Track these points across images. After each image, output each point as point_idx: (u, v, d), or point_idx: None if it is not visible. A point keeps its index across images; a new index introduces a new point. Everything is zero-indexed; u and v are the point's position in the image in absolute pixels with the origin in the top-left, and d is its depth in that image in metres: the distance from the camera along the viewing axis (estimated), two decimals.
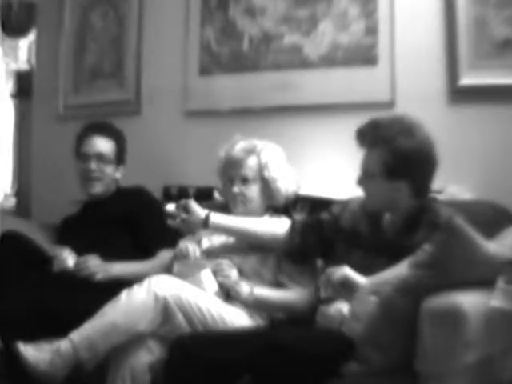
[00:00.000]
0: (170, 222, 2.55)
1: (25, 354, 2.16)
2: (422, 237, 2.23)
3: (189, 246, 2.51)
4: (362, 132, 2.29)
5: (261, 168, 2.65)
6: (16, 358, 2.16)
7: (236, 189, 2.63)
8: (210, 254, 2.56)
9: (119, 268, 2.69)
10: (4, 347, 2.21)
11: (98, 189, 2.91)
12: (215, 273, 2.44)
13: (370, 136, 2.28)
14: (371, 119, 2.30)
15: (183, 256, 2.49)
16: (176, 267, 2.47)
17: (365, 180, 2.32)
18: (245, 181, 2.63)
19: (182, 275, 2.40)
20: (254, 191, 2.64)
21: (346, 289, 2.22)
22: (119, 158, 2.96)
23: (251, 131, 2.80)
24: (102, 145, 2.92)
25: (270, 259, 2.53)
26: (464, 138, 2.80)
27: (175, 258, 2.53)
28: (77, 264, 2.66)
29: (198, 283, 2.39)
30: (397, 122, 2.28)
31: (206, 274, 2.41)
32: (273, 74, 3.17)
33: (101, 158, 2.90)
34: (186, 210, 2.53)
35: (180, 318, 2.26)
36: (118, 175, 2.97)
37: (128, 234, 2.81)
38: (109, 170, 2.92)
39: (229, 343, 2.15)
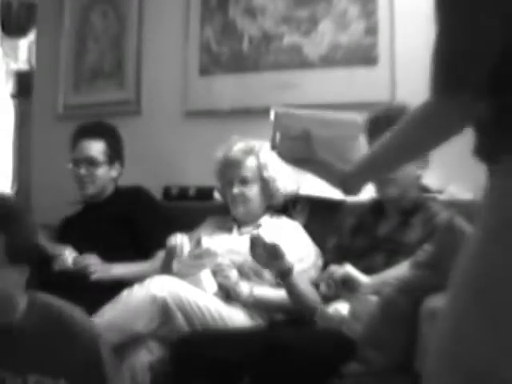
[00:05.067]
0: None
1: None
2: (418, 236, 2.25)
3: (178, 240, 2.48)
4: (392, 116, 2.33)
5: (260, 168, 2.65)
6: None
7: (236, 190, 2.63)
8: (211, 253, 2.56)
9: (119, 269, 2.69)
10: None
11: (91, 191, 2.91)
12: (215, 273, 2.44)
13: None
14: (381, 109, 2.35)
15: (174, 252, 2.47)
16: (175, 267, 2.46)
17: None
18: (244, 181, 2.63)
19: (181, 275, 2.40)
20: (253, 191, 2.64)
21: (348, 287, 2.22)
22: (112, 157, 2.94)
23: (251, 131, 2.80)
24: (91, 147, 2.91)
25: None
26: (464, 138, 2.80)
27: (167, 254, 2.51)
28: (75, 262, 2.66)
29: (198, 283, 2.38)
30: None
31: (206, 274, 2.41)
32: (273, 74, 3.17)
33: (91, 161, 2.90)
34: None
35: (179, 318, 2.26)
36: (113, 174, 2.96)
37: (127, 234, 2.81)
38: (100, 171, 2.91)
39: (229, 343, 2.15)
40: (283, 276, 2.35)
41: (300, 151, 1.49)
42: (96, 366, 1.85)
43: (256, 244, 2.34)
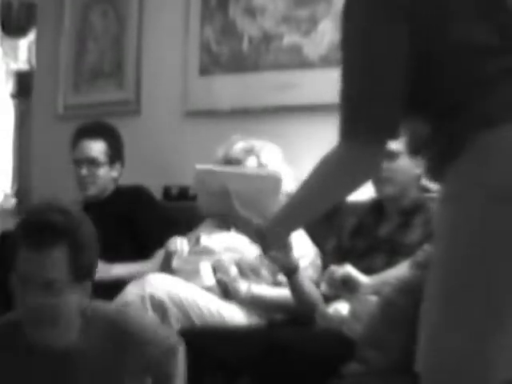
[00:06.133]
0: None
1: None
2: (418, 237, 2.25)
3: (177, 242, 2.49)
4: None
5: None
6: None
7: None
8: (209, 251, 2.56)
9: (119, 269, 2.69)
10: None
11: (92, 191, 2.91)
12: (215, 269, 2.45)
13: None
14: None
15: (172, 257, 2.48)
16: (175, 263, 2.47)
17: (389, 161, 2.31)
18: None
19: (180, 270, 2.41)
20: None
21: (348, 287, 2.22)
22: (113, 157, 2.94)
23: (251, 131, 2.80)
24: (92, 148, 2.90)
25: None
26: None
27: (165, 255, 2.52)
28: None
29: (196, 274, 2.39)
30: None
31: (205, 266, 2.42)
32: (273, 74, 3.17)
33: (92, 162, 2.90)
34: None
35: (176, 317, 2.26)
36: (114, 174, 2.96)
37: (127, 234, 2.81)
38: (102, 172, 2.91)
39: (229, 343, 2.15)
40: (289, 272, 2.32)
41: (219, 206, 1.51)
42: (168, 378, 1.72)
43: None
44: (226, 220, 1.56)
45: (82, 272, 1.59)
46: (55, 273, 1.55)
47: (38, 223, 1.58)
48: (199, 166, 1.53)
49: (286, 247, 2.25)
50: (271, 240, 1.49)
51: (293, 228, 1.52)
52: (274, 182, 1.57)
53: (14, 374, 1.63)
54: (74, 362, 1.63)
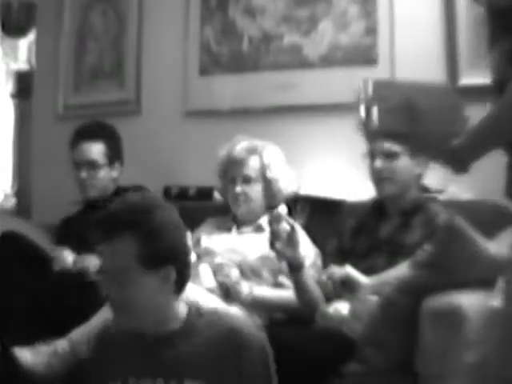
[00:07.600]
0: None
1: (21, 359, 2.15)
2: (418, 237, 2.25)
3: None
4: None
5: (263, 168, 2.65)
6: (13, 364, 2.15)
7: (238, 188, 2.63)
8: (210, 252, 2.56)
9: None
10: (2, 350, 2.20)
11: (92, 193, 2.91)
12: (215, 272, 2.44)
13: None
14: None
15: None
16: None
17: (390, 161, 2.31)
18: (247, 180, 2.63)
19: None
20: (256, 191, 2.64)
21: (347, 288, 2.22)
22: (112, 157, 2.94)
23: (251, 131, 2.80)
24: (91, 150, 2.90)
25: (270, 259, 2.53)
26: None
27: None
28: (75, 262, 2.66)
29: (196, 276, 2.39)
30: None
31: (204, 268, 2.42)
32: (273, 74, 3.17)
33: (91, 164, 2.89)
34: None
35: None
36: (114, 174, 2.96)
37: None
38: (101, 174, 2.91)
39: None
40: (296, 269, 2.31)
41: (400, 123, 1.34)
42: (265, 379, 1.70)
43: (276, 221, 2.27)
44: (405, 140, 1.39)
45: (155, 259, 1.60)
46: (123, 263, 1.58)
47: (102, 218, 1.65)
48: (376, 80, 1.34)
49: (293, 238, 2.24)
50: (463, 161, 1.36)
51: (487, 149, 1.37)
52: (457, 96, 1.42)
53: (128, 363, 1.68)
54: (177, 346, 1.65)
